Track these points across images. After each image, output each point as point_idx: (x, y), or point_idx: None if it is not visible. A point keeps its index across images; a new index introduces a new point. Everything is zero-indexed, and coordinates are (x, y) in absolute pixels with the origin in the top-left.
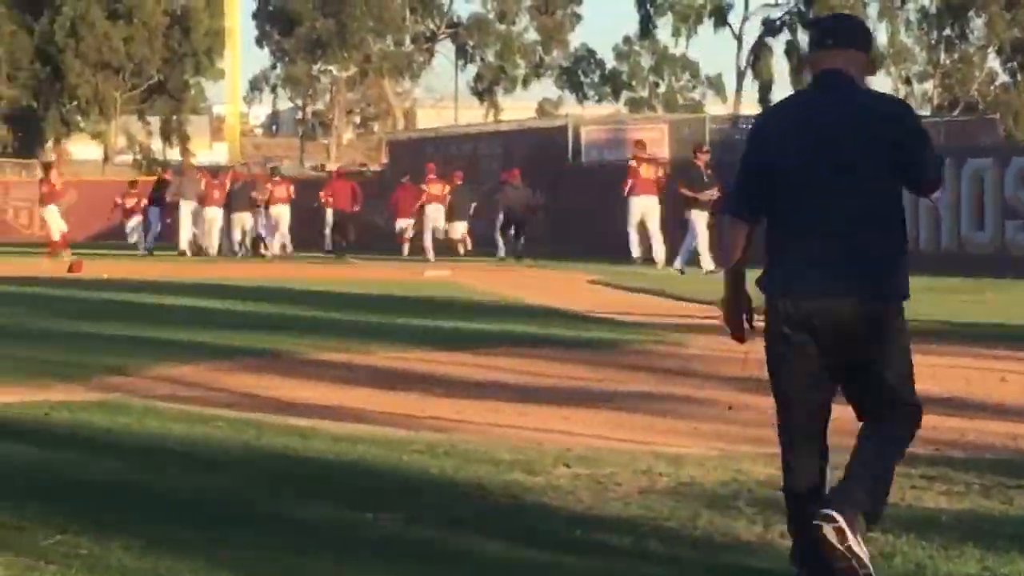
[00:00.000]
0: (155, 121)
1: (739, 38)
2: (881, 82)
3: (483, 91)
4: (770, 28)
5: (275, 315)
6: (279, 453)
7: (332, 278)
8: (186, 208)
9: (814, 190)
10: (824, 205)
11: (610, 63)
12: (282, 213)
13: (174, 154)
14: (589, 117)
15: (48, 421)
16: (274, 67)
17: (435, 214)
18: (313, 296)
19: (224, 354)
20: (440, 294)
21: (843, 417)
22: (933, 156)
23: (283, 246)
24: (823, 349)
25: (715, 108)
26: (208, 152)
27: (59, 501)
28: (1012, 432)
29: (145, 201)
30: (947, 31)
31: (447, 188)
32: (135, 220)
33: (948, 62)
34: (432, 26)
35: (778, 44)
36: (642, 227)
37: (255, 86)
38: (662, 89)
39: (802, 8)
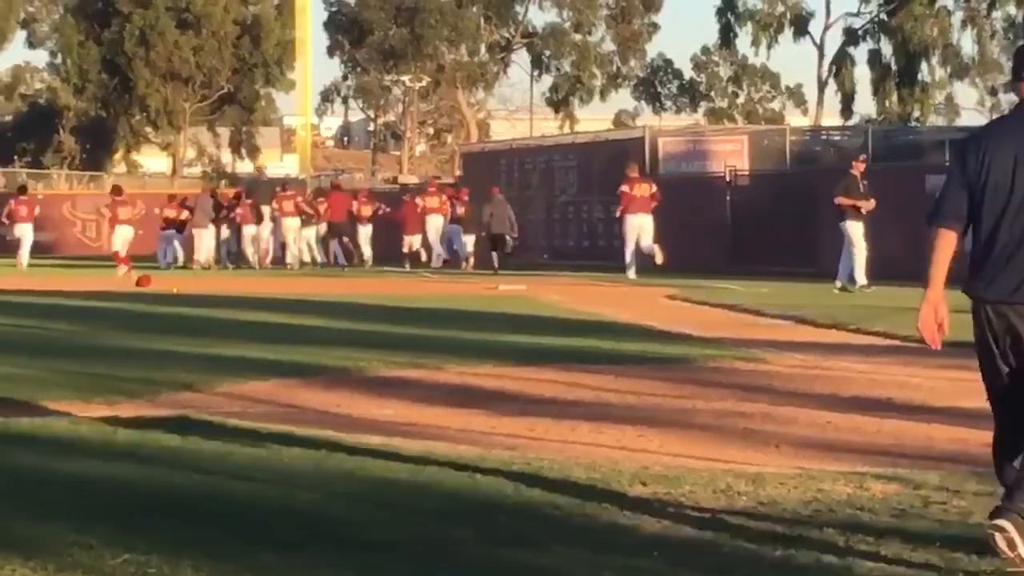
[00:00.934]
0: (224, 132)
1: (820, 47)
2: (967, 92)
3: (558, 102)
4: (852, 37)
5: (346, 331)
6: (351, 472)
7: (404, 294)
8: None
9: (1013, 206)
10: (1020, 219)
11: (688, 73)
12: (290, 226)
13: (244, 166)
14: (667, 128)
15: (116, 438)
16: (346, 78)
17: (435, 223)
18: (385, 311)
19: (294, 370)
20: (515, 309)
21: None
22: None
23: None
24: (1016, 352)
25: (796, 119)
26: (279, 164)
27: (127, 519)
28: None
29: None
30: None
31: (445, 200)
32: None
33: None
34: (507, 35)
35: (860, 54)
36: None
37: (326, 97)
38: (741, 100)
39: (884, 17)
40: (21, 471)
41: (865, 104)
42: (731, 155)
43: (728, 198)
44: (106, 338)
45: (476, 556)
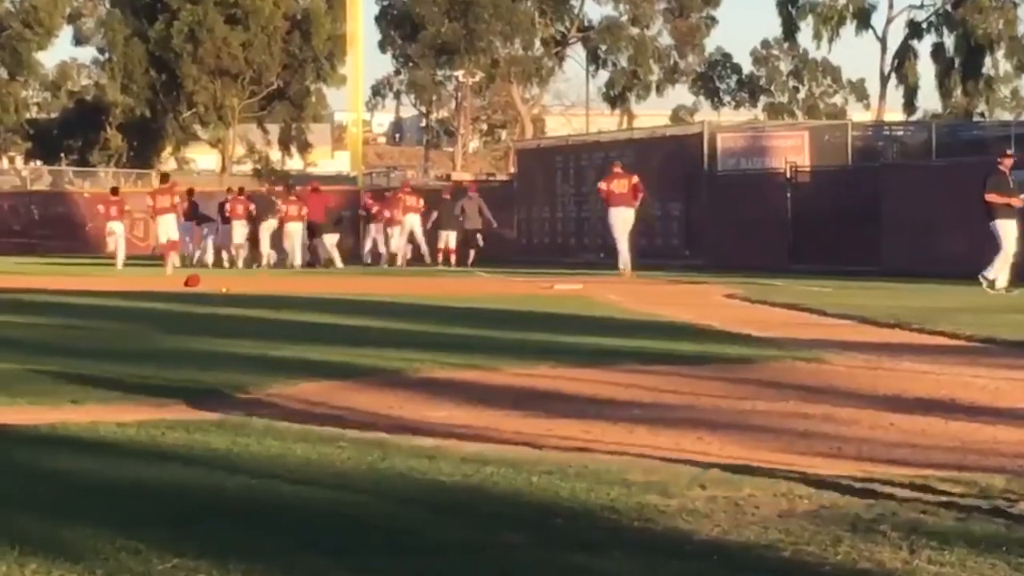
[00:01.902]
0: (274, 129)
1: (883, 41)
2: None
3: (615, 97)
4: (915, 30)
5: (398, 331)
6: (405, 475)
7: (458, 293)
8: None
9: None
10: None
11: (747, 67)
12: (294, 231)
13: (294, 163)
14: (726, 124)
15: (164, 441)
16: (398, 73)
17: (411, 223)
18: (437, 311)
19: (346, 371)
20: (571, 309)
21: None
22: None
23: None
24: None
25: (858, 114)
26: (330, 161)
27: (176, 524)
28: None
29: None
30: None
31: (422, 201)
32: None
33: None
34: (562, 29)
35: (924, 47)
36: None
37: (378, 92)
38: (802, 94)
39: (949, 9)
40: (69, 475)
41: (929, 98)
42: (791, 151)
43: (788, 195)
44: (155, 339)
45: (531, 561)
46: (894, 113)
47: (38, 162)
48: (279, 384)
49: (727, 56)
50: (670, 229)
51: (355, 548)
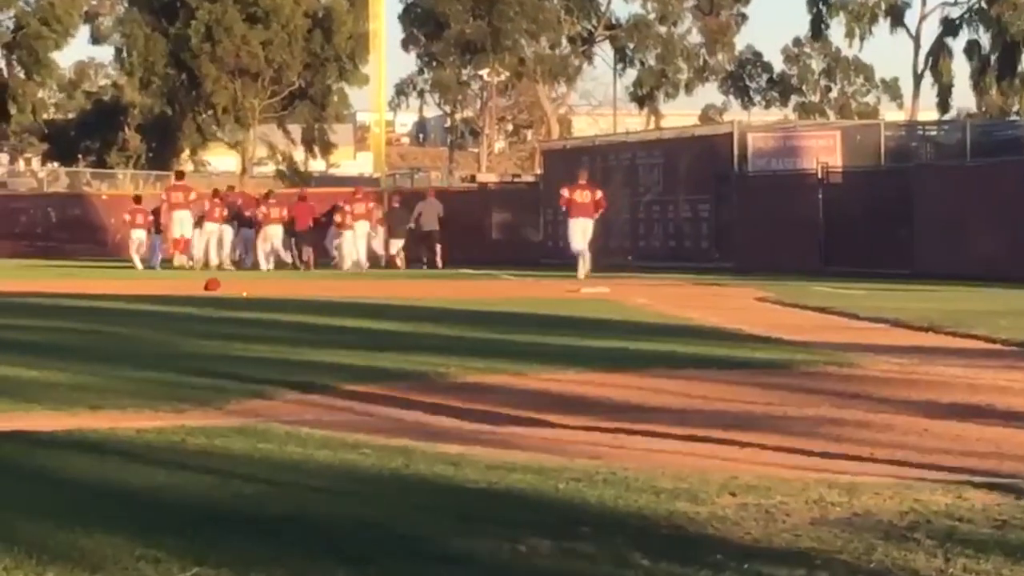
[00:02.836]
0: (296, 129)
1: (916, 39)
2: None
3: (643, 96)
4: (949, 28)
5: (422, 335)
6: (429, 482)
7: (484, 296)
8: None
9: None
10: None
11: (778, 66)
12: (275, 233)
13: (317, 164)
14: (756, 123)
15: (184, 447)
16: (421, 72)
17: (362, 230)
18: (463, 315)
19: (369, 376)
20: (598, 313)
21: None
22: None
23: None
24: None
25: (891, 114)
26: (352, 162)
27: (197, 531)
28: None
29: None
30: None
31: (372, 206)
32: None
33: None
34: (589, 27)
35: (958, 45)
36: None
37: (401, 92)
38: (834, 94)
39: (983, 5)
40: (87, 481)
41: (963, 97)
42: (823, 151)
43: (820, 196)
44: (174, 344)
45: (557, 569)
46: (928, 112)
47: (55, 164)
48: (301, 389)
49: (758, 55)
50: (699, 231)
51: (378, 556)
